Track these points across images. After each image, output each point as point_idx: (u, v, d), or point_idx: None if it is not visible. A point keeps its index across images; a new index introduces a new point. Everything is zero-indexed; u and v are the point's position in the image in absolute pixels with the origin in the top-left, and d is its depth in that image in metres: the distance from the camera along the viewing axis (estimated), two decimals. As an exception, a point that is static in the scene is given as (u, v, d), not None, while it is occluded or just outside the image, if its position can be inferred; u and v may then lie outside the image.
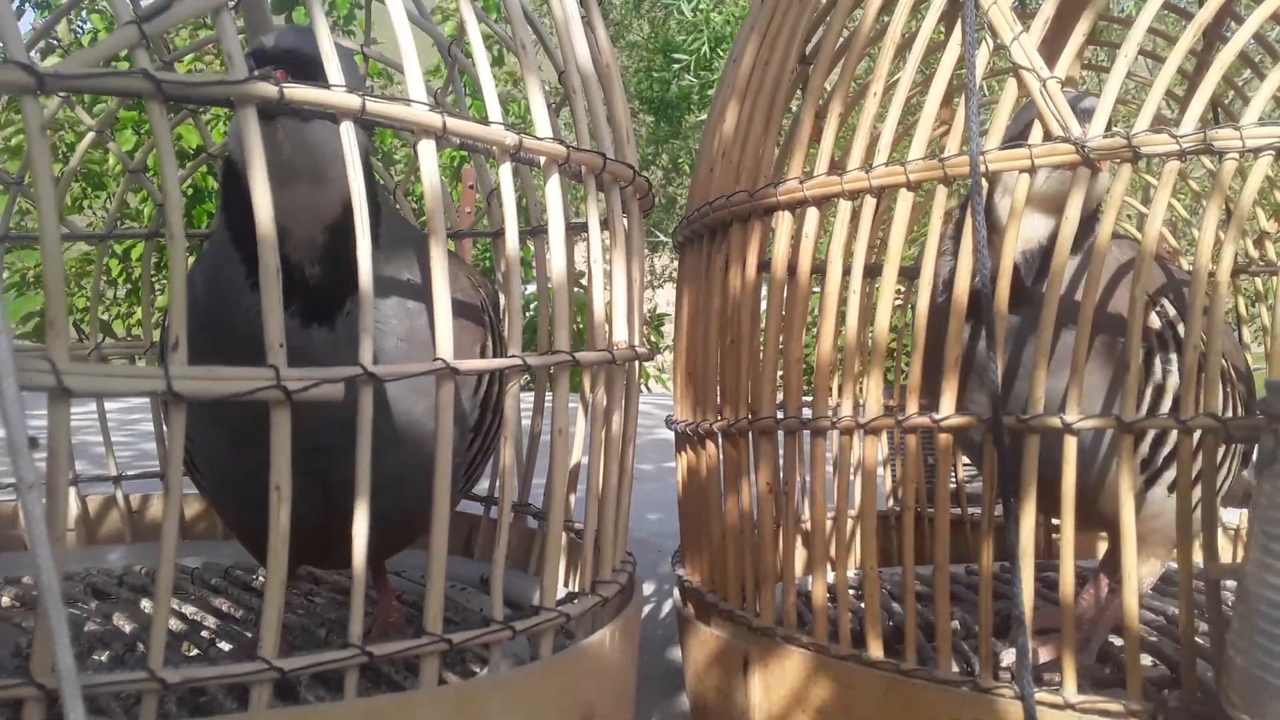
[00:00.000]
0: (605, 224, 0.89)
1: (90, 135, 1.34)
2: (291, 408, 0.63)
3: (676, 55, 6.68)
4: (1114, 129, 0.77)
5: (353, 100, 0.66)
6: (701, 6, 6.81)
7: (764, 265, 0.99)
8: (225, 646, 0.99)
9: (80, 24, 5.90)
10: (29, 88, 0.56)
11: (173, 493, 0.60)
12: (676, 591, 1.16)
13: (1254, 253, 1.43)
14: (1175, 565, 0.79)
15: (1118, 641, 1.03)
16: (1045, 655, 0.99)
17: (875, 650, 0.85)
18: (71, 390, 0.56)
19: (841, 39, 1.00)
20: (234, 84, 0.62)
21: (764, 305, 0.99)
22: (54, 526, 0.56)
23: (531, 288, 2.54)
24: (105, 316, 5.89)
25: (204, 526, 1.37)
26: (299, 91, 0.65)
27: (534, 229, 1.25)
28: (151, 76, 0.59)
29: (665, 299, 8.59)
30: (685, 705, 1.13)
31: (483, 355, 0.93)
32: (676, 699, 1.15)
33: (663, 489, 2.05)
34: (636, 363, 0.95)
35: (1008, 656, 0.99)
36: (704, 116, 6.52)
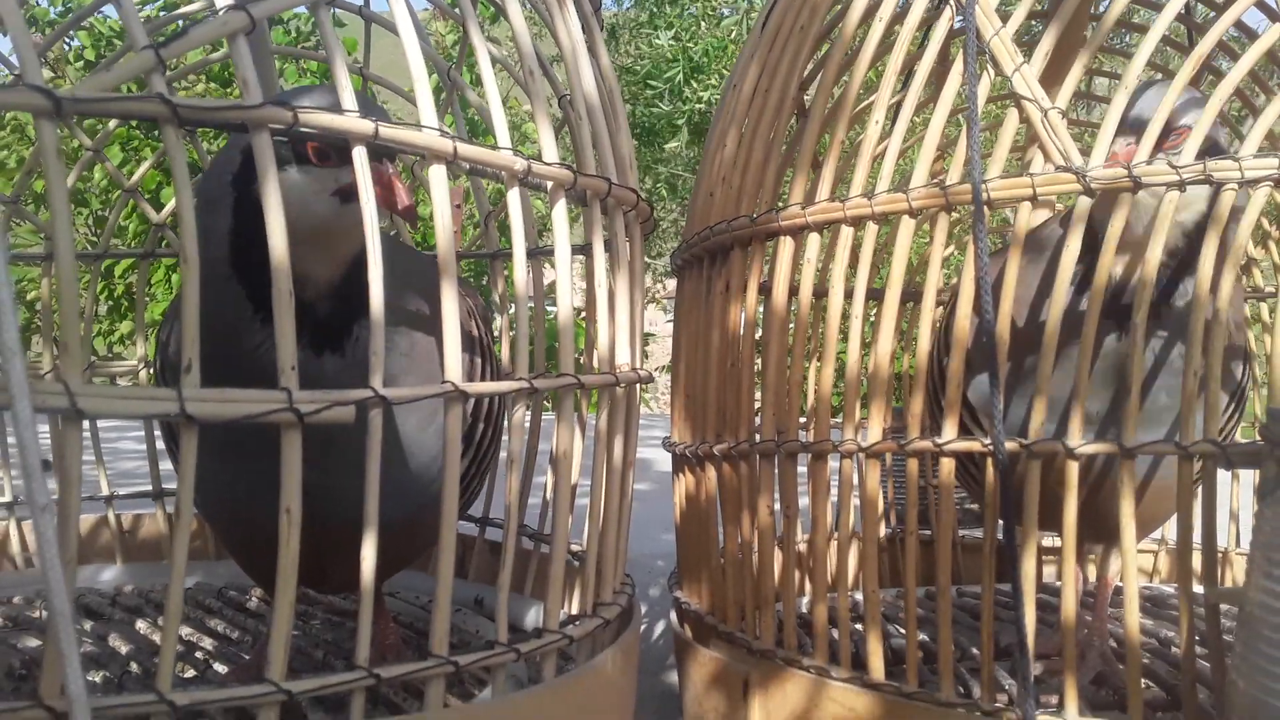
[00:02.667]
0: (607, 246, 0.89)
1: (87, 155, 1.34)
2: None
3: (652, 82, 6.72)
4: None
5: (365, 125, 0.67)
6: (678, 37, 6.84)
7: (763, 289, 1.00)
8: (221, 668, 0.98)
9: (68, 40, 5.90)
10: (47, 111, 0.56)
11: (184, 514, 0.60)
12: (673, 613, 1.16)
13: (1243, 280, 1.45)
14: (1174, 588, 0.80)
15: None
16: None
17: (876, 673, 0.86)
18: (85, 412, 0.56)
19: (840, 67, 1.01)
20: (249, 109, 0.63)
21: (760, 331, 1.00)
22: (66, 549, 0.56)
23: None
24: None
25: (197, 545, 1.36)
26: (313, 117, 0.65)
27: (532, 251, 1.25)
28: (168, 101, 0.60)
29: (649, 319, 8.61)
30: (681, 727, 1.13)
31: (472, 368, 0.93)
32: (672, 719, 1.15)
33: (652, 510, 2.05)
34: (637, 386, 0.95)
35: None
36: (676, 143, 6.58)
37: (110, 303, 6.46)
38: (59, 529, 0.56)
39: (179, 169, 0.62)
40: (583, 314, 1.09)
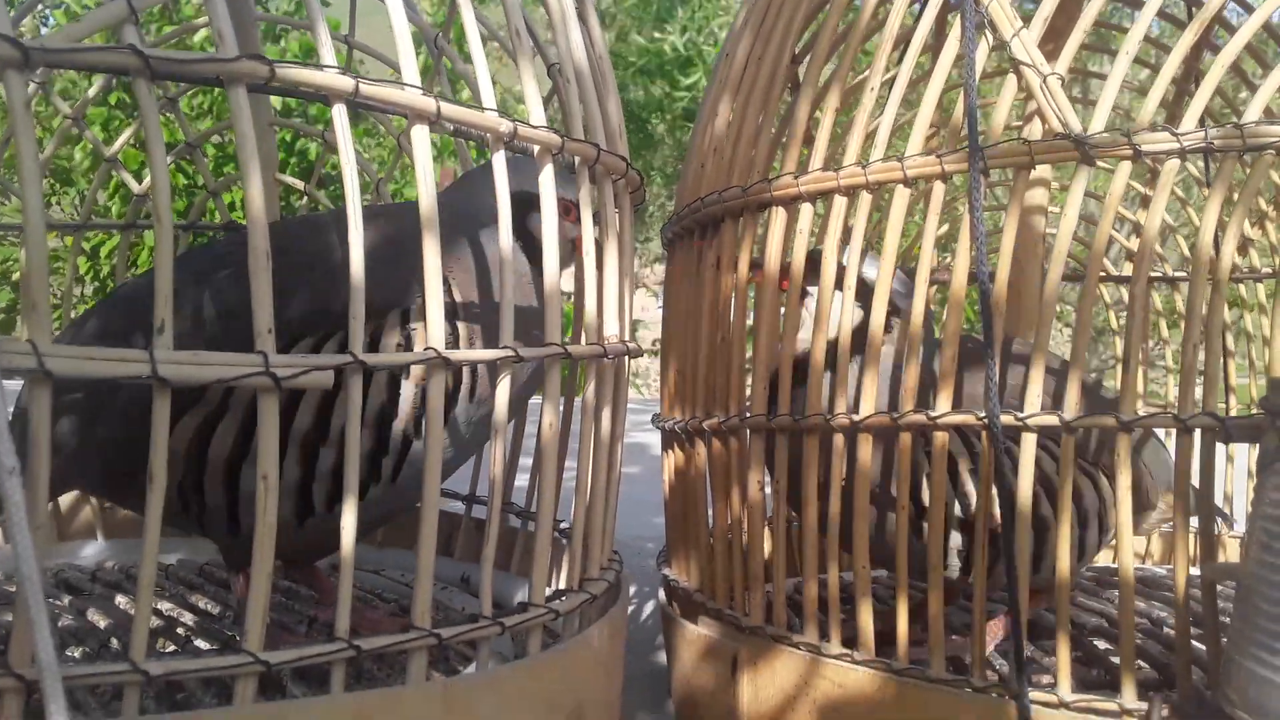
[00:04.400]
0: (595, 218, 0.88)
1: (64, 123, 1.31)
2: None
3: (676, 93, 6.71)
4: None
5: (345, 82, 0.65)
6: (693, 40, 6.82)
7: (754, 263, 0.99)
8: (202, 644, 0.97)
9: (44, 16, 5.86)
10: (15, 62, 0.55)
11: (157, 479, 0.59)
12: (662, 591, 1.15)
13: (1239, 260, 1.44)
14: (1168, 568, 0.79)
15: (1102, 644, 1.03)
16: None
17: (867, 649, 0.84)
18: (53, 373, 0.55)
19: (834, 40, 0.99)
20: (224, 62, 0.61)
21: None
22: (34, 514, 0.54)
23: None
24: (73, 315, 5.84)
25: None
26: (290, 71, 0.63)
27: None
28: (140, 53, 0.58)
29: (639, 304, 8.58)
30: (669, 706, 1.11)
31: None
32: (660, 700, 1.14)
33: (642, 493, 2.03)
34: (626, 359, 0.93)
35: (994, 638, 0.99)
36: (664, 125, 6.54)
37: (96, 283, 6.41)
38: (27, 492, 0.54)
39: (151, 124, 0.60)
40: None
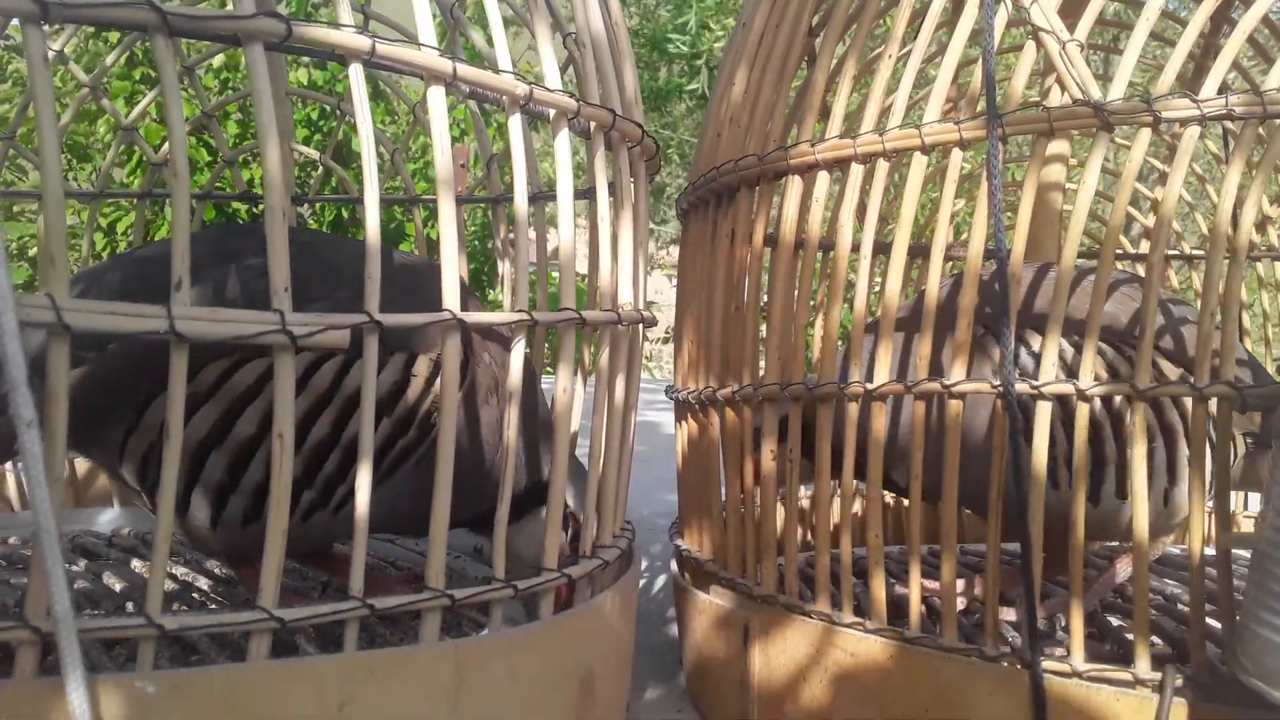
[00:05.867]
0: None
1: (84, 92, 1.31)
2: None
3: (687, 89, 6.67)
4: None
5: (362, 41, 0.65)
6: (692, 30, 6.78)
7: (769, 241, 0.98)
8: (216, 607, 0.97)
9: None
10: (33, 15, 0.55)
11: (173, 435, 0.59)
12: (673, 562, 1.15)
13: (1256, 238, 1.42)
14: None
15: (1115, 621, 1.03)
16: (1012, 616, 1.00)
17: (880, 618, 0.84)
18: (71, 327, 0.55)
19: (853, 6, 0.98)
20: (241, 18, 0.61)
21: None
22: (52, 467, 0.54)
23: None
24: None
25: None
26: (307, 30, 0.63)
27: (534, 196, 1.23)
28: (157, 8, 0.58)
29: (654, 287, 8.56)
30: (681, 678, 1.12)
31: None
32: (671, 673, 1.14)
33: (655, 471, 2.04)
34: (640, 326, 0.93)
35: (1008, 614, 0.99)
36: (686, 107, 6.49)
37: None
38: (45, 445, 0.54)
39: (169, 80, 0.60)
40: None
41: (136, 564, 1.11)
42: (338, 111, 1.51)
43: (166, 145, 0.76)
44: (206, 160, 4.87)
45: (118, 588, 1.01)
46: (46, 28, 0.56)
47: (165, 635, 0.59)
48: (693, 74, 6.42)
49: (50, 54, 1.20)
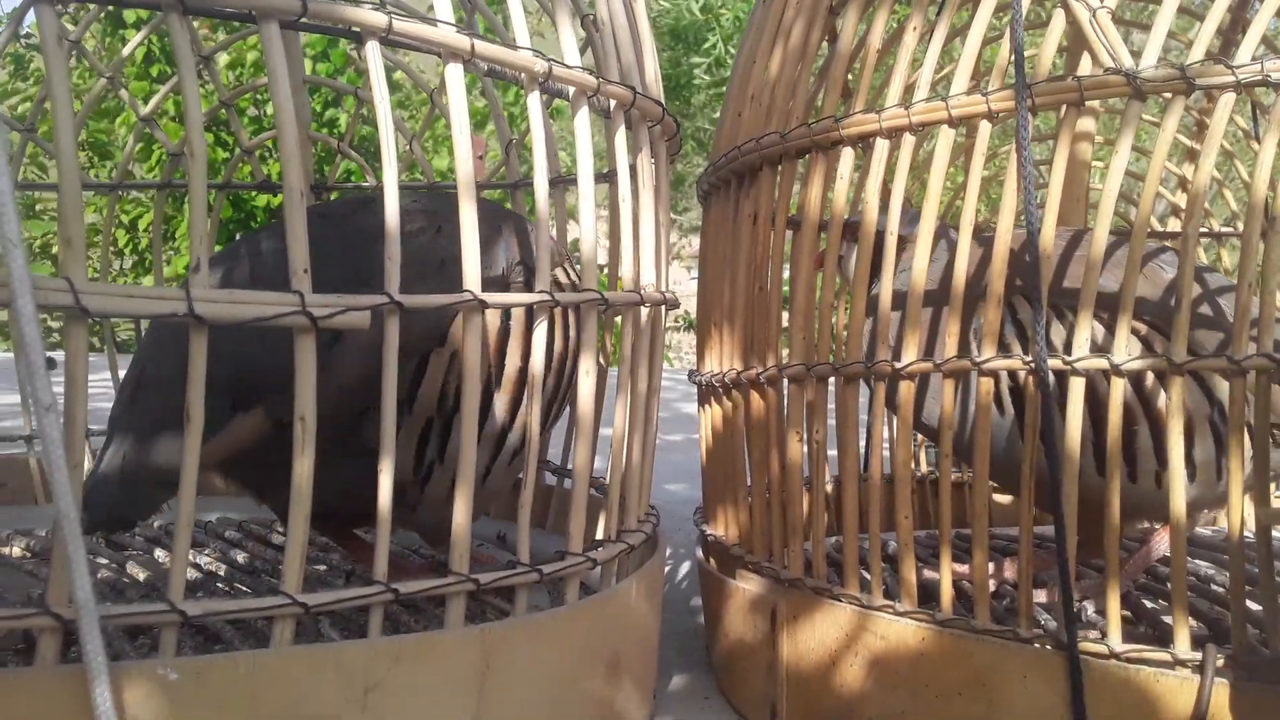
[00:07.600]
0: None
1: (101, 82, 1.31)
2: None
3: (695, 60, 6.63)
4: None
5: (379, 18, 0.64)
6: (710, 4, 6.73)
7: (791, 224, 0.97)
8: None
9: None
10: (45, -7, 0.54)
11: (195, 417, 0.58)
12: (699, 549, 1.14)
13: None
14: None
15: (1148, 604, 1.01)
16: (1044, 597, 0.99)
17: (910, 600, 0.83)
18: (89, 310, 0.54)
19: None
20: (257, -5, 0.60)
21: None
22: (72, 451, 0.54)
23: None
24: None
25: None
26: (323, 6, 0.62)
27: (553, 180, 1.22)
28: (172, -15, 0.57)
29: (673, 277, 8.54)
30: (705, 663, 1.11)
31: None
32: (697, 659, 1.13)
33: (678, 459, 2.03)
34: (663, 309, 0.92)
35: (1039, 596, 0.98)
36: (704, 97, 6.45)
37: (135, 256, 6.46)
38: (65, 429, 0.53)
39: (184, 58, 0.59)
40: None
41: (160, 553, 1.10)
42: (355, 96, 1.51)
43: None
44: (223, 158, 4.89)
45: (141, 577, 1.01)
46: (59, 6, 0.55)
47: (188, 622, 0.58)
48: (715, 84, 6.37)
49: (68, 43, 1.20)
